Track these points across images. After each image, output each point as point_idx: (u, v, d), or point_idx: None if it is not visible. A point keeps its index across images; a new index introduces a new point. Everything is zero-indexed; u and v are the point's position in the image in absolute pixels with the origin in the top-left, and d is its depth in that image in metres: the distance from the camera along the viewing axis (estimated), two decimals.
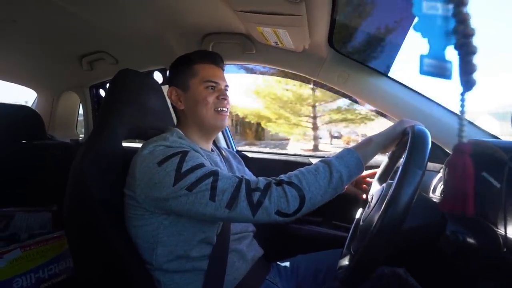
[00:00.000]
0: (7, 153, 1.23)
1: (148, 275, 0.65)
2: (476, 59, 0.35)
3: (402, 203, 0.45)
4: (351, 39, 0.92)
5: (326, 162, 0.61)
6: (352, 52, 0.90)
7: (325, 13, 0.74)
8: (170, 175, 0.58)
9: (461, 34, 0.34)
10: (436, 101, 0.88)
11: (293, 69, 1.02)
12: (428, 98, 0.90)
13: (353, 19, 0.83)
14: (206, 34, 1.02)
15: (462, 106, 0.45)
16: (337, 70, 0.94)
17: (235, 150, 1.36)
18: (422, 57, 0.37)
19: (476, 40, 0.35)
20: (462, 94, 0.43)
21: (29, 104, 1.81)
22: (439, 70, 0.36)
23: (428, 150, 0.49)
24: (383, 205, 0.47)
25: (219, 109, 0.75)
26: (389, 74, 0.92)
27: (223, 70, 0.81)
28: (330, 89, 1.00)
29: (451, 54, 0.37)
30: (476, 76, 0.37)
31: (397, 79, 0.91)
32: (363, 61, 0.91)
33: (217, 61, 0.79)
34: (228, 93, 0.77)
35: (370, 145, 0.64)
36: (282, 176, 0.60)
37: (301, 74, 1.01)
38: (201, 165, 0.60)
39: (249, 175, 0.96)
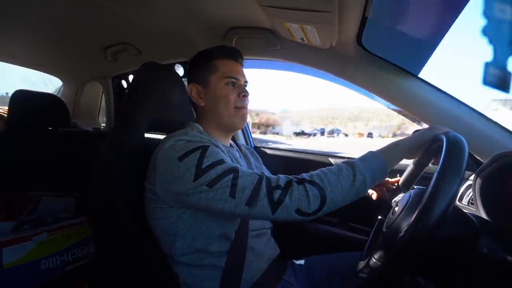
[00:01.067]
0: (35, 139, 1.27)
1: (167, 266, 0.66)
2: None
3: (436, 213, 0.42)
4: (381, 38, 0.88)
5: (349, 163, 0.59)
6: (382, 51, 0.86)
7: (358, 10, 0.71)
8: (191, 171, 0.58)
9: None
10: (468, 104, 0.84)
11: (318, 66, 1.00)
12: (460, 101, 0.85)
13: (386, 16, 0.78)
14: (230, 28, 1.01)
15: None
16: (365, 69, 0.91)
17: (253, 146, 1.35)
18: (486, 65, 0.33)
19: None
20: None
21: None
22: (501, 82, 0.33)
23: (466, 158, 0.46)
24: (415, 214, 0.45)
25: (239, 106, 0.75)
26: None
27: (242, 66, 0.81)
28: None
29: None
30: None
31: (427, 81, 0.87)
32: (393, 61, 0.87)
33: (237, 57, 0.79)
34: (248, 89, 0.77)
35: (396, 150, 0.62)
36: (304, 175, 0.59)
37: (326, 72, 0.99)
38: (222, 161, 0.60)
39: (266, 172, 0.95)
